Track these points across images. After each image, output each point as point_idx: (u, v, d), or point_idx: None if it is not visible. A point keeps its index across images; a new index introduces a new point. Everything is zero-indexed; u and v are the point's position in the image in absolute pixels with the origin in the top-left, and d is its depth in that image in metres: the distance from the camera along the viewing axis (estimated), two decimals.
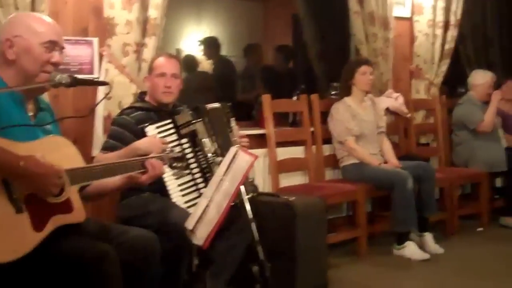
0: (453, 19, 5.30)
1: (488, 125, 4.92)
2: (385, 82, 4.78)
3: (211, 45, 6.32)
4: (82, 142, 3.18)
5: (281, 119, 4.37)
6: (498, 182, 5.36)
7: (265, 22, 7.72)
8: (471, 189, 5.26)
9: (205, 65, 6.60)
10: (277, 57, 5.87)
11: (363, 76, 4.25)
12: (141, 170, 2.31)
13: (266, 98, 4.07)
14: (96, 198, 2.44)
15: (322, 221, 3.43)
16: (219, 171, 2.51)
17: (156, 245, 2.27)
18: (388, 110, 4.69)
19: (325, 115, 4.35)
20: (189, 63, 6.31)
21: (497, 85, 5.25)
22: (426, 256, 4.00)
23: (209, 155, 2.85)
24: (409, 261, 3.95)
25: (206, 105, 2.99)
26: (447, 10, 5.26)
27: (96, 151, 3.19)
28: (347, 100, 4.29)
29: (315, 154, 4.30)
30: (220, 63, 6.27)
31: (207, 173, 2.85)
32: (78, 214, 2.08)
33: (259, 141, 3.98)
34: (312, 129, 4.30)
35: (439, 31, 5.20)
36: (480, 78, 5.16)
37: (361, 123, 4.24)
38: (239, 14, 7.49)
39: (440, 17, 5.20)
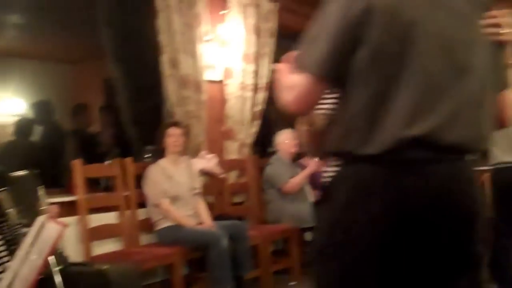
0: (262, 83, 5.77)
1: (293, 188, 5.37)
2: (199, 144, 5.03)
3: (40, 109, 6.23)
4: None
5: (94, 184, 4.42)
6: (308, 237, 5.81)
7: (77, 85, 7.74)
8: (283, 244, 5.63)
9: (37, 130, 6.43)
10: (102, 118, 5.92)
11: (171, 138, 4.50)
12: None
13: (76, 164, 4.09)
14: None
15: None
16: (25, 242, 2.54)
17: None
18: (202, 171, 4.95)
19: (139, 179, 4.48)
20: (21, 127, 6.15)
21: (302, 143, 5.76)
22: None
23: (15, 226, 2.84)
24: None
25: (12, 173, 2.99)
26: (256, 74, 5.73)
27: None
28: (162, 162, 4.49)
29: (129, 219, 4.38)
30: (47, 127, 6.20)
31: (12, 245, 2.82)
32: None
33: (70, 208, 3.97)
34: (126, 193, 4.41)
35: (249, 94, 5.62)
36: (284, 137, 5.66)
37: (176, 185, 4.45)
38: (48, 78, 7.45)
39: (249, 80, 5.63)
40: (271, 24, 5.89)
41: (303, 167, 5.71)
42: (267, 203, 5.52)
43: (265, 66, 5.80)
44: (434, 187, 1.57)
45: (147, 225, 4.46)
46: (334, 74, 1.63)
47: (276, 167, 5.49)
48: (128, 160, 4.49)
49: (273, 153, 5.78)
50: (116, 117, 4.93)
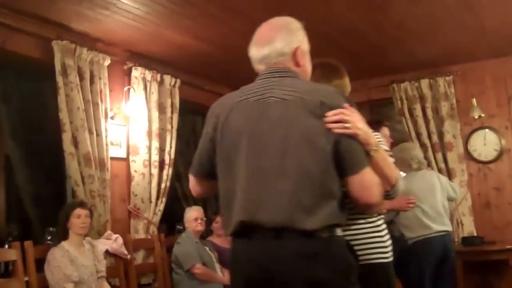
0: (167, 159, 5.82)
1: (203, 272, 5.33)
2: (104, 224, 4.96)
3: None
4: None
5: None
6: None
7: None
8: None
9: None
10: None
11: (77, 220, 4.39)
12: None
13: None
14: None
15: None
16: None
17: None
18: (107, 253, 4.86)
19: (41, 262, 4.32)
20: None
21: (210, 221, 5.84)
22: None
23: None
24: None
25: None
26: (161, 150, 5.78)
27: None
28: (65, 244, 4.36)
29: None
30: None
31: None
32: None
33: None
34: (26, 278, 4.23)
35: (155, 171, 5.65)
36: (193, 215, 5.67)
37: (80, 268, 4.32)
38: None
39: (155, 157, 5.67)
40: (174, 100, 6.01)
41: (212, 244, 5.74)
42: (176, 283, 5.45)
43: (170, 142, 5.88)
44: (260, 260, 2.12)
45: None
46: (202, 174, 2.37)
47: (184, 247, 5.43)
48: (28, 243, 4.32)
49: (182, 230, 5.76)
50: (15, 197, 4.80)
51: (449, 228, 5.12)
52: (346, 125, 2.10)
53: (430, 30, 5.61)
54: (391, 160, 2.43)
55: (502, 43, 6.19)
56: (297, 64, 2.32)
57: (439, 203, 5.14)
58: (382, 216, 2.72)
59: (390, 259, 2.65)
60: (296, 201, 2.07)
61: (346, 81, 2.78)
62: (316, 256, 2.07)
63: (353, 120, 2.12)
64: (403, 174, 5.46)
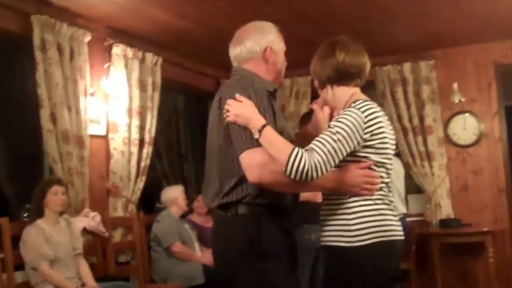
0: (147, 137, 5.73)
1: (181, 251, 5.31)
2: (82, 202, 4.86)
3: None
4: None
5: None
6: None
7: None
8: None
9: None
10: None
11: (55, 197, 4.30)
12: None
13: None
14: None
15: None
16: None
17: None
18: (85, 230, 4.78)
19: (16, 239, 4.24)
20: None
21: (191, 200, 5.79)
22: None
23: None
24: None
25: None
26: (141, 128, 5.68)
27: None
28: (40, 222, 4.26)
29: (6, 282, 4.11)
30: None
31: None
32: None
33: None
34: (2, 255, 4.14)
35: (134, 149, 5.55)
36: (172, 193, 5.61)
37: (55, 246, 4.24)
38: None
39: (135, 135, 5.57)
40: (155, 78, 5.91)
41: (192, 223, 5.69)
42: (154, 261, 5.40)
43: (151, 120, 5.78)
44: None
45: None
46: None
47: (164, 225, 5.39)
48: (4, 220, 4.21)
49: (161, 209, 5.69)
50: None
51: (405, 211, 5.82)
52: (228, 113, 2.42)
53: (414, 14, 5.57)
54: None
55: (484, 28, 6.17)
56: (266, 61, 2.60)
57: (402, 189, 5.66)
58: (359, 198, 2.47)
59: (356, 243, 2.42)
60: (212, 183, 2.49)
61: (340, 57, 2.53)
62: (217, 232, 2.53)
63: (232, 109, 2.41)
64: None
